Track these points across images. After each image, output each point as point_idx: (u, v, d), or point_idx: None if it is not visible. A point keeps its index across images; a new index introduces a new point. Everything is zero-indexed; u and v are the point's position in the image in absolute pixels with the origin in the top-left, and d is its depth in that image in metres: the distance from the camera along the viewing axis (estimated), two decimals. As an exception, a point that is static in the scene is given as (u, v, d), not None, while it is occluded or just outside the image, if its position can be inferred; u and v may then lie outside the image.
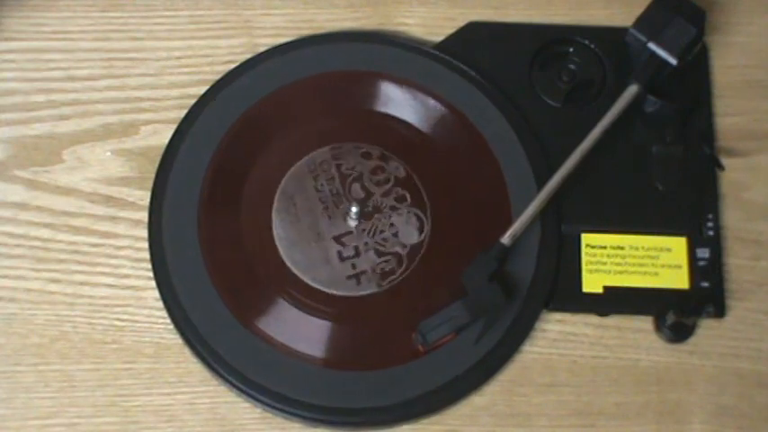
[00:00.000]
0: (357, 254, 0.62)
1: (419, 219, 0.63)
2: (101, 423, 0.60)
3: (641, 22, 0.66)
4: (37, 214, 0.64)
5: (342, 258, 0.62)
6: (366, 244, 0.62)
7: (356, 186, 0.64)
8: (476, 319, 0.60)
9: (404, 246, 0.62)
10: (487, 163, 0.65)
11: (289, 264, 0.62)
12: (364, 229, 0.63)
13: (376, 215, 0.63)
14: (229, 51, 0.68)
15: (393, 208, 0.63)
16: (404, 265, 0.62)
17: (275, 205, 0.63)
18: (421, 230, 0.63)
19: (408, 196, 0.64)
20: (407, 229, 0.63)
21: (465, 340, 0.60)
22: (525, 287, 0.62)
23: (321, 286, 0.61)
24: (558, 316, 0.63)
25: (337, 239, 0.62)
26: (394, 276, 0.62)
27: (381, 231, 0.63)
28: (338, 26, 0.69)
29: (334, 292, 0.61)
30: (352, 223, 0.63)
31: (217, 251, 0.62)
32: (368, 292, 0.61)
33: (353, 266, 0.62)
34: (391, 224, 0.63)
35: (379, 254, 0.62)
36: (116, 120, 0.67)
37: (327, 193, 0.64)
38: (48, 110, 0.67)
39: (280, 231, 0.62)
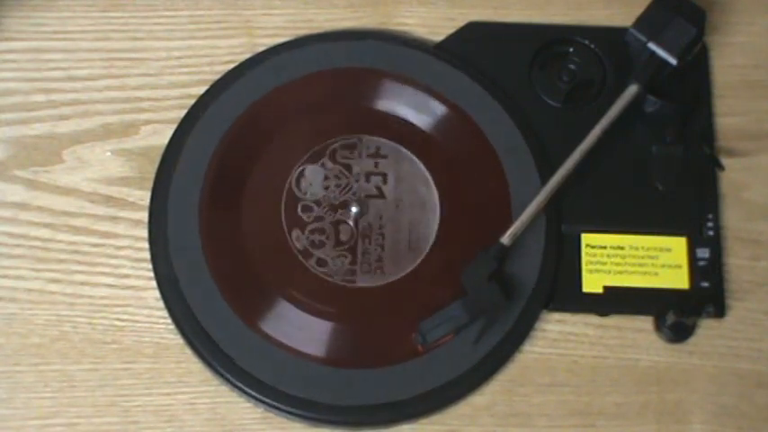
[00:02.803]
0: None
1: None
2: (101, 423, 0.60)
3: (641, 22, 0.66)
4: (37, 214, 0.64)
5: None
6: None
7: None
8: (475, 318, 0.60)
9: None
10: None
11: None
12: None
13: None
14: (229, 51, 0.68)
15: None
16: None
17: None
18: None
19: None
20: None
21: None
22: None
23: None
24: (557, 316, 0.63)
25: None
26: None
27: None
28: (338, 26, 0.69)
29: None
30: (355, 221, 0.63)
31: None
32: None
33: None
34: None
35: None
36: (116, 120, 0.67)
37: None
38: (48, 110, 0.67)
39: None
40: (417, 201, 0.64)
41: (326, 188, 0.64)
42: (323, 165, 0.64)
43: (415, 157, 0.65)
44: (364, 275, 0.62)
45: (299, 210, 0.63)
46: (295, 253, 0.62)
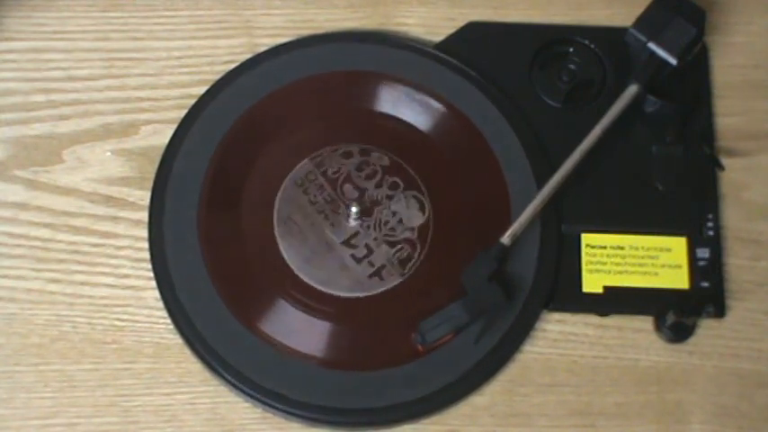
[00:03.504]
0: (370, 251, 0.62)
1: (418, 200, 0.63)
2: (101, 423, 0.60)
3: (641, 22, 0.66)
4: (37, 214, 0.64)
5: (357, 260, 0.62)
6: (375, 239, 0.62)
7: (348, 187, 0.64)
8: (475, 319, 0.60)
9: (412, 230, 0.63)
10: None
11: (299, 274, 0.62)
12: (369, 226, 0.63)
13: (376, 208, 0.63)
14: (229, 51, 0.68)
15: (389, 197, 0.63)
16: (418, 249, 0.62)
17: (277, 228, 0.63)
18: (423, 210, 0.63)
19: (401, 181, 0.64)
20: (411, 213, 0.63)
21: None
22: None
23: (347, 293, 0.61)
24: (557, 316, 0.63)
25: (347, 243, 0.62)
26: (412, 262, 0.62)
27: (386, 222, 0.63)
28: (338, 26, 0.69)
29: (359, 294, 0.61)
30: (355, 223, 0.63)
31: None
32: (392, 284, 0.61)
33: (371, 264, 0.62)
34: (393, 212, 0.63)
35: (392, 244, 0.62)
36: (116, 120, 0.67)
37: (322, 201, 0.63)
38: (48, 110, 0.67)
39: (289, 251, 0.62)
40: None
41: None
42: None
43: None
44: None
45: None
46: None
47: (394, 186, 0.64)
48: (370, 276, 0.62)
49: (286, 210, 0.63)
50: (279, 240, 0.62)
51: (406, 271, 0.62)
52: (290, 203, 0.63)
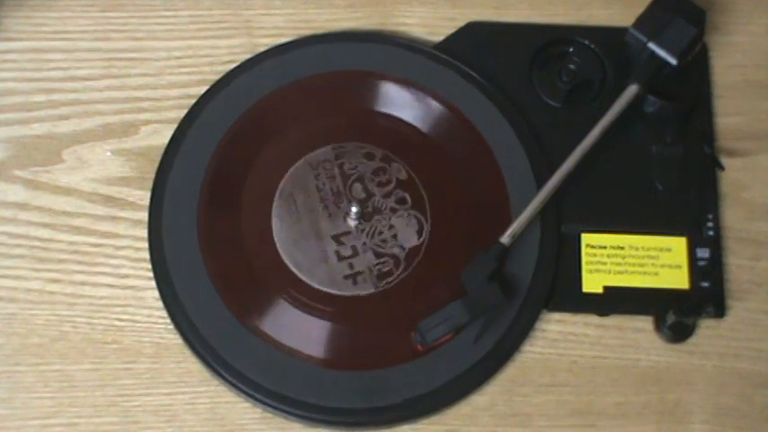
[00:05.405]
0: (355, 254, 0.62)
1: (419, 222, 0.63)
2: (101, 423, 0.60)
3: (641, 22, 0.66)
4: (37, 214, 0.64)
5: (340, 258, 0.62)
6: (364, 244, 0.62)
7: (357, 186, 0.64)
8: (475, 318, 0.60)
9: (402, 248, 0.62)
10: (487, 163, 0.65)
11: (287, 262, 0.62)
12: (364, 230, 0.63)
13: (376, 216, 0.63)
14: (229, 51, 0.68)
15: (393, 210, 0.63)
16: (401, 268, 0.62)
17: (275, 202, 0.63)
18: (420, 234, 0.63)
19: (409, 198, 0.64)
20: (407, 232, 0.63)
21: (465, 340, 0.60)
22: (525, 287, 0.62)
23: (318, 285, 0.61)
24: (557, 316, 0.63)
25: (336, 239, 0.63)
26: (390, 278, 0.62)
27: (380, 233, 0.63)
28: (338, 26, 0.69)
29: (331, 290, 0.61)
30: (352, 223, 0.63)
31: (217, 251, 0.62)
32: (364, 292, 0.61)
33: (351, 266, 0.62)
34: (391, 225, 0.63)
35: (378, 255, 0.62)
36: (116, 120, 0.67)
37: (328, 191, 0.64)
38: (48, 110, 0.67)
39: (279, 229, 0.62)
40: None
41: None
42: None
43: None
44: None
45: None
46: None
47: (401, 201, 0.64)
48: (346, 277, 0.62)
49: (289, 188, 0.63)
50: (273, 216, 0.62)
51: (380, 285, 0.62)
52: (297, 183, 0.63)
